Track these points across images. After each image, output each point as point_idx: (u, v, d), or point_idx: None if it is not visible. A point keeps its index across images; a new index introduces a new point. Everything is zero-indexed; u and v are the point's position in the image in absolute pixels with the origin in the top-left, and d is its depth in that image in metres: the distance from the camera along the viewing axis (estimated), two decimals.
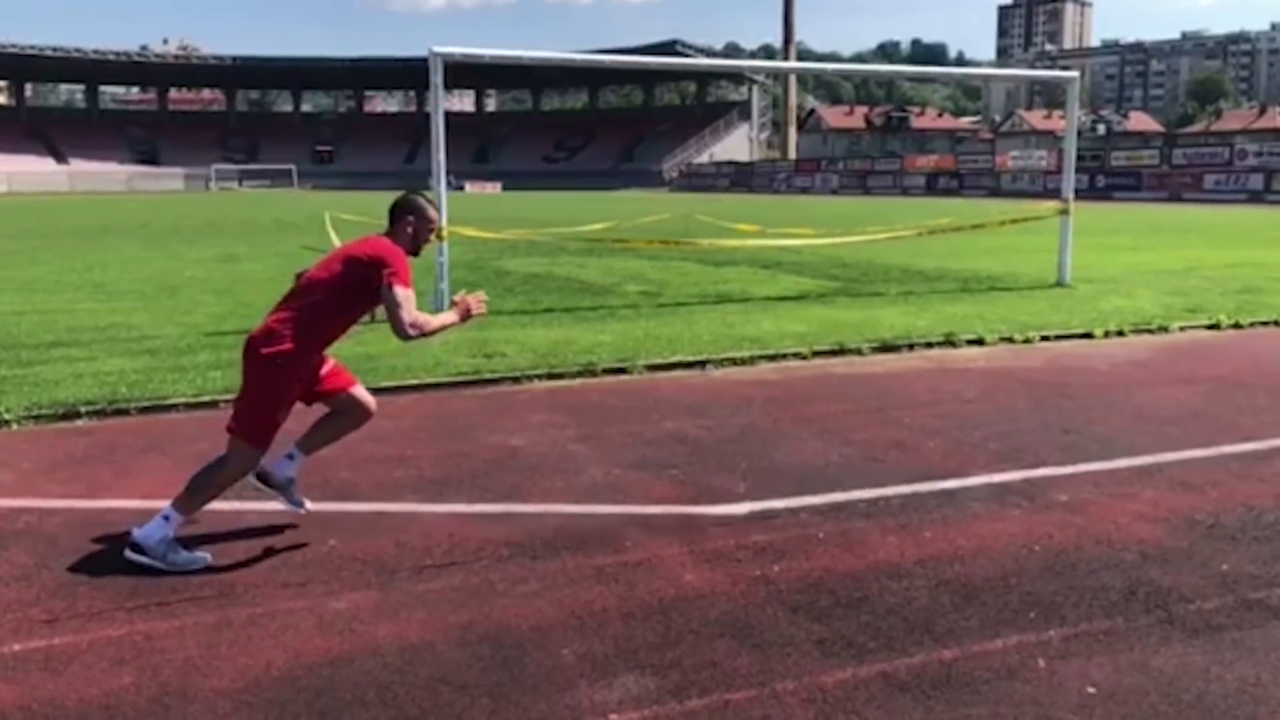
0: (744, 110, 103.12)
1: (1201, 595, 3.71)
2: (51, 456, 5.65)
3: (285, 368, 4.14)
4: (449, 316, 4.33)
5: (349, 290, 4.21)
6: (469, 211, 30.08)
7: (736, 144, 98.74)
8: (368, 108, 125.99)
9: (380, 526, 4.50)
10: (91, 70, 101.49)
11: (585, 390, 7.28)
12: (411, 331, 4.14)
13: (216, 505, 4.76)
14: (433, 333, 4.22)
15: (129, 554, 4.03)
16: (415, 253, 4.41)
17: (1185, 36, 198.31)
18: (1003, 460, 5.44)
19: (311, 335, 4.19)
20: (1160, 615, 3.55)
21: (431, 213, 4.44)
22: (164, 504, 4.16)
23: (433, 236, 4.50)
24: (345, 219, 22.63)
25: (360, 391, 4.55)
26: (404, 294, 4.13)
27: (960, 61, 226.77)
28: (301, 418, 4.51)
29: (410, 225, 4.38)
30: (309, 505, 4.56)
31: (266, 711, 2.98)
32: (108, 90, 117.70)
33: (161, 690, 3.09)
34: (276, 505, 4.79)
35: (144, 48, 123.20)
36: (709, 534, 4.38)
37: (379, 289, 4.14)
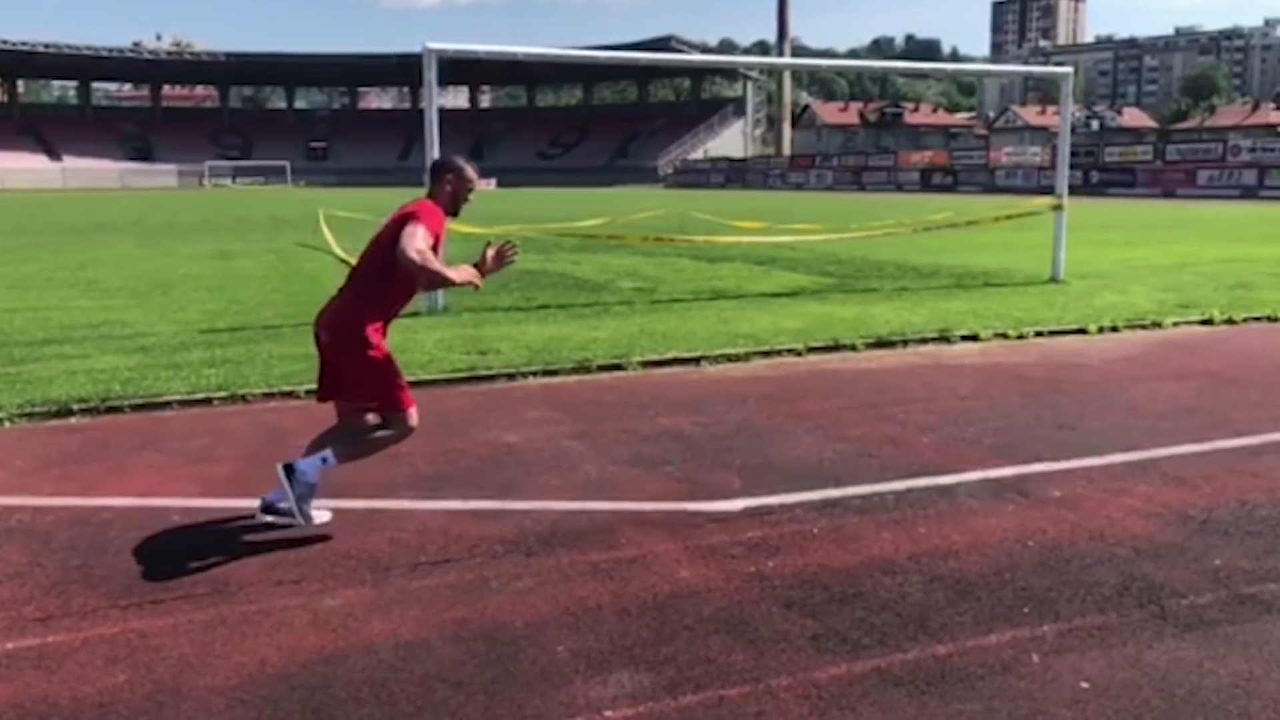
0: (738, 106, 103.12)
1: (1194, 590, 3.72)
2: (45, 454, 5.63)
3: (374, 345, 4.30)
4: (452, 272, 4.29)
5: (395, 246, 4.23)
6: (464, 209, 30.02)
7: (731, 140, 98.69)
8: (362, 104, 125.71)
9: (375, 523, 4.50)
10: (84, 66, 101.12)
11: (580, 387, 7.28)
12: (415, 255, 4.10)
13: (209, 502, 4.77)
14: (434, 272, 4.17)
15: (281, 471, 4.21)
16: (455, 213, 4.50)
17: (1179, 32, 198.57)
18: (997, 456, 5.45)
19: (379, 305, 4.35)
20: (1153, 610, 3.56)
21: (470, 172, 4.52)
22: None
23: (472, 197, 4.57)
24: (340, 216, 22.58)
25: (414, 412, 4.55)
26: (421, 231, 4.17)
27: (954, 57, 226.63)
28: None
29: (450, 184, 4.47)
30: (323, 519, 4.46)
31: (261, 709, 2.97)
32: (101, 86, 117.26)
33: (155, 688, 3.09)
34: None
35: (137, 44, 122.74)
36: (704, 530, 4.38)
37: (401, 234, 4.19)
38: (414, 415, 4.43)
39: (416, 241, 4.14)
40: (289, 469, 4.23)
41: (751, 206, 35.11)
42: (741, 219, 19.00)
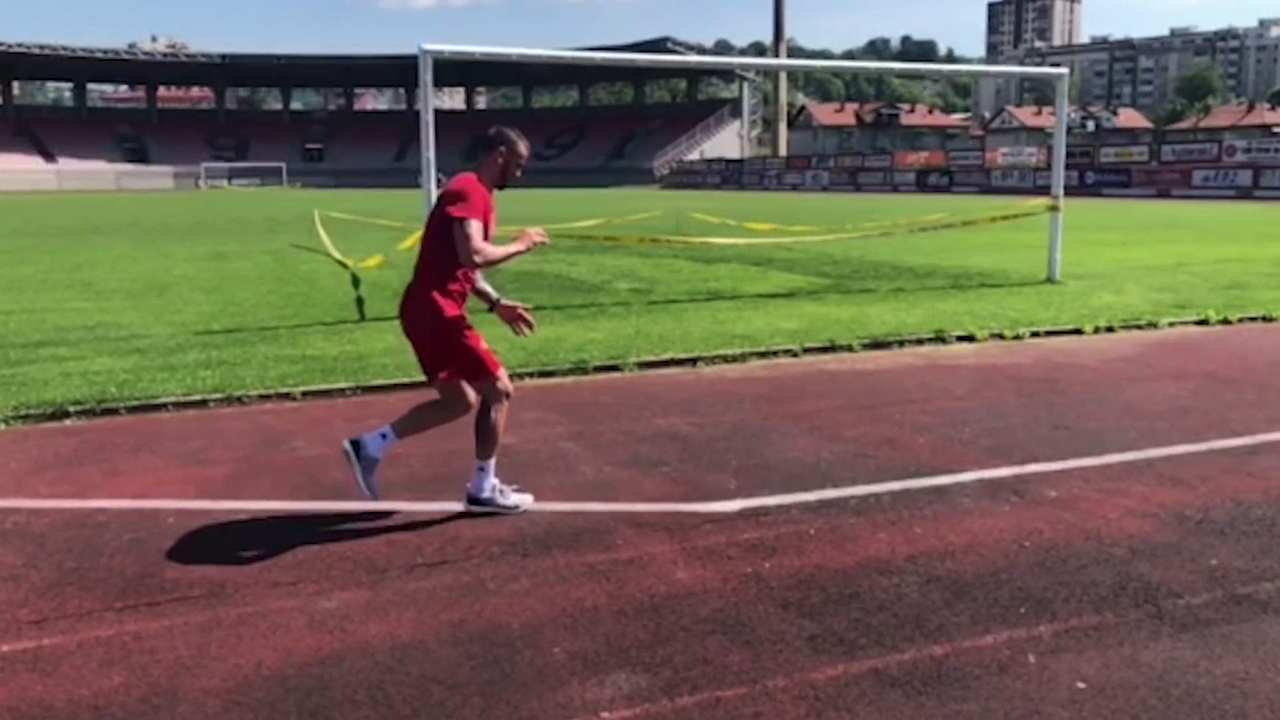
0: (735, 107, 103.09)
1: (1190, 590, 3.72)
2: (40, 456, 5.62)
3: (457, 318, 4.46)
4: (513, 247, 4.53)
5: (448, 228, 4.39)
6: None
7: (727, 141, 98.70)
8: (357, 106, 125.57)
9: (371, 525, 4.49)
10: (79, 68, 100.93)
11: (576, 388, 7.27)
12: (476, 259, 4.33)
13: (205, 504, 4.76)
14: (497, 261, 4.44)
15: (469, 506, 4.59)
16: (502, 185, 4.58)
17: (1174, 33, 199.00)
18: (993, 456, 5.45)
19: (446, 283, 4.46)
20: (1150, 610, 3.56)
21: (523, 146, 4.58)
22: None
23: (519, 172, 4.63)
24: (335, 217, 22.55)
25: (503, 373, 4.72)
26: (470, 226, 4.31)
27: (950, 58, 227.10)
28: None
29: (501, 157, 4.53)
30: (377, 500, 4.65)
31: (257, 711, 2.97)
32: (96, 88, 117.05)
33: (151, 690, 3.08)
34: (269, 504, 4.79)
35: (132, 45, 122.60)
36: (700, 531, 4.38)
37: (450, 224, 4.35)
38: (505, 376, 4.57)
39: (472, 244, 4.30)
40: (473, 500, 4.61)
41: (749, 207, 35.12)
42: (743, 220, 18.99)
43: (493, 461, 4.61)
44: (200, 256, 18.32)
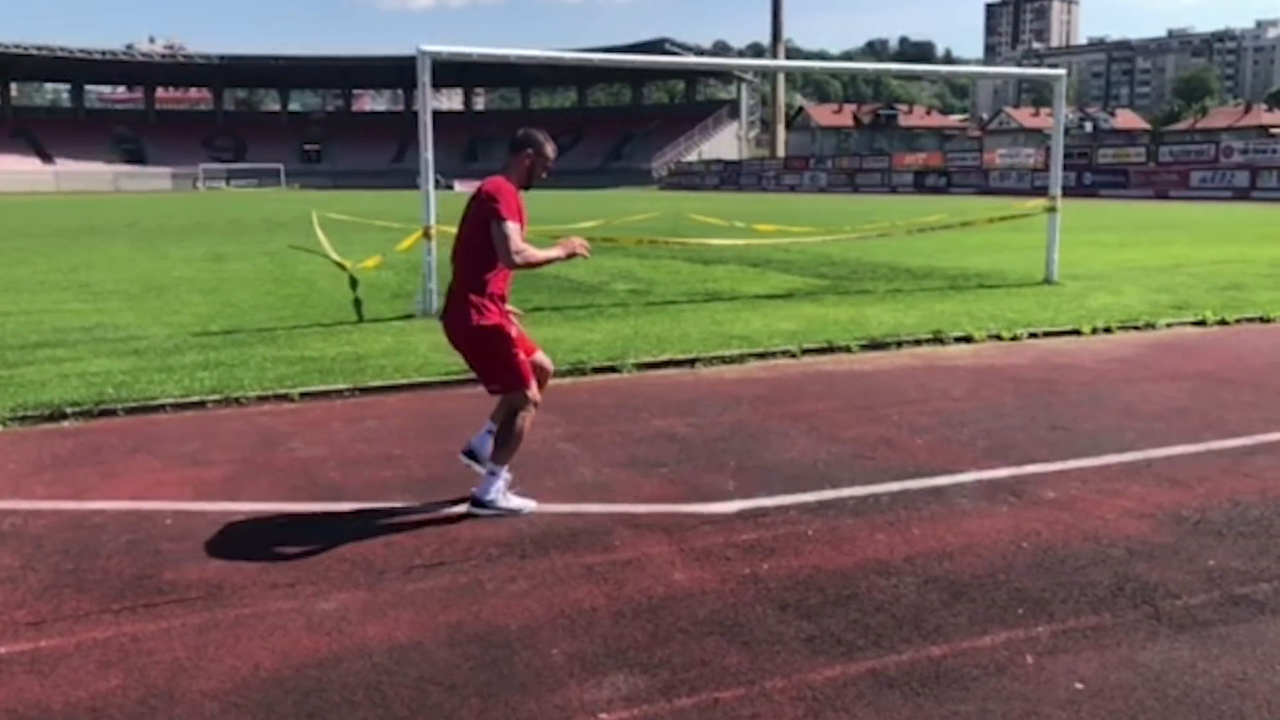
0: (733, 108, 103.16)
1: (1188, 590, 3.72)
2: (37, 458, 5.62)
3: (492, 326, 4.52)
4: (554, 251, 4.58)
5: (483, 231, 4.47)
6: (458, 210, 29.91)
7: (725, 142, 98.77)
8: (356, 107, 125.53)
9: (369, 526, 4.49)
10: (77, 69, 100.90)
11: (574, 389, 7.27)
12: (516, 259, 4.41)
13: (202, 505, 4.76)
14: (537, 263, 4.50)
15: (472, 509, 4.60)
16: (527, 186, 4.65)
17: (1171, 34, 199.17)
18: (991, 457, 5.46)
19: (483, 289, 4.52)
20: (1147, 611, 3.56)
21: (550, 149, 4.68)
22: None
23: (544, 174, 4.73)
24: (333, 218, 22.53)
25: (540, 357, 4.88)
26: (510, 226, 4.39)
27: (948, 59, 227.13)
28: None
29: (528, 159, 4.62)
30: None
31: (254, 713, 2.97)
32: (93, 89, 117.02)
33: (148, 692, 3.08)
34: (266, 506, 4.78)
35: (130, 46, 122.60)
36: (698, 532, 4.38)
37: (489, 227, 4.43)
38: (534, 389, 4.64)
39: (513, 243, 4.39)
40: (476, 502, 4.64)
41: (747, 208, 35.13)
42: (751, 221, 19.00)
43: (505, 469, 4.66)
44: (198, 258, 18.31)
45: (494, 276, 4.54)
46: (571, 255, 4.61)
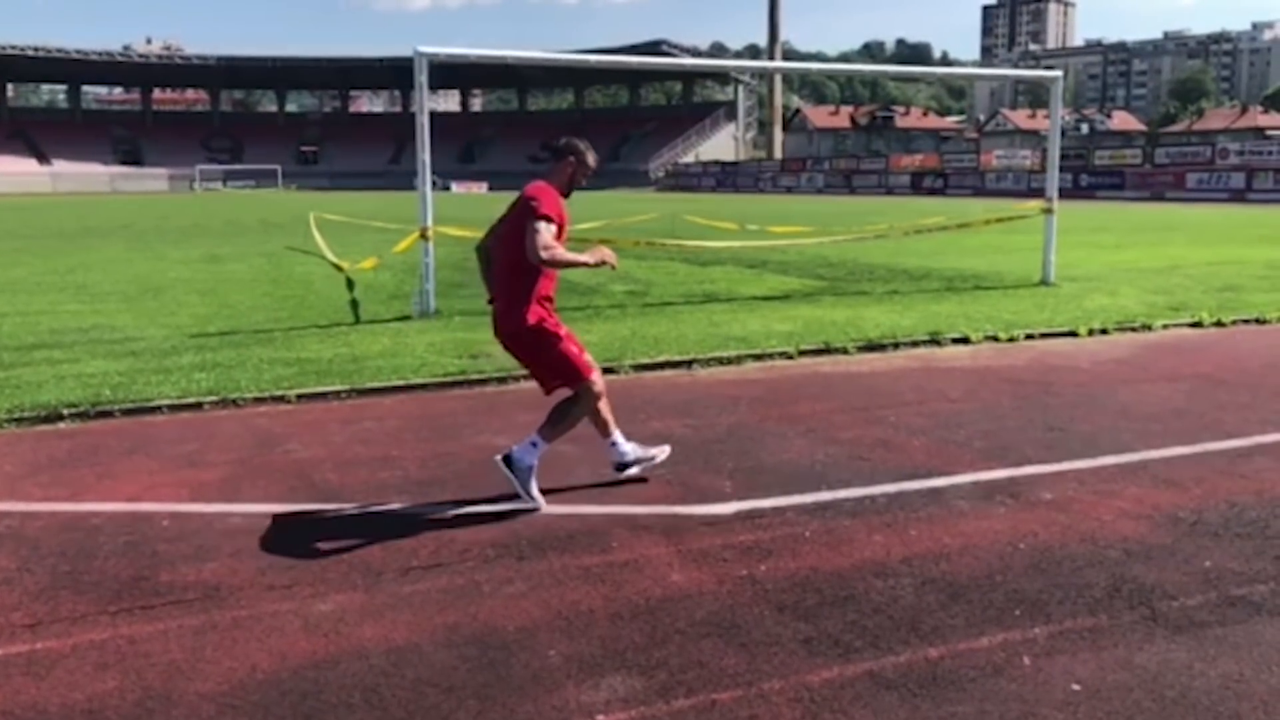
0: (730, 110, 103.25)
1: (1185, 592, 3.73)
2: (34, 459, 5.61)
3: (538, 325, 4.62)
4: (583, 256, 4.64)
5: (525, 234, 4.52)
6: (455, 212, 29.99)
7: (722, 144, 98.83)
8: (353, 108, 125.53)
9: (366, 528, 4.49)
10: (74, 70, 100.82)
11: None
12: (543, 254, 4.45)
13: (199, 506, 4.75)
14: (563, 263, 4.53)
15: (499, 462, 4.70)
16: (567, 193, 4.78)
17: (1167, 36, 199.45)
18: (988, 458, 5.46)
19: (529, 292, 4.61)
20: (1144, 612, 3.56)
21: (591, 158, 4.83)
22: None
23: (585, 181, 4.88)
24: (330, 219, 22.54)
25: (595, 375, 4.88)
26: (542, 224, 4.47)
27: (945, 61, 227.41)
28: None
29: (570, 166, 4.77)
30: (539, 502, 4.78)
31: (252, 714, 2.96)
32: (90, 90, 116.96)
33: (145, 694, 3.07)
34: (263, 507, 4.78)
35: (127, 47, 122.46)
36: (696, 534, 4.38)
37: (525, 227, 4.50)
38: (597, 377, 4.76)
39: (542, 239, 4.43)
40: (507, 459, 4.69)
41: (745, 210, 35.13)
42: (743, 222, 19.00)
43: (547, 447, 4.76)
44: (195, 259, 18.30)
45: (538, 279, 4.63)
46: (600, 264, 4.66)
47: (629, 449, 5.00)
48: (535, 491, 4.71)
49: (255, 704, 3.02)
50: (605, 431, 4.97)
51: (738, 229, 18.30)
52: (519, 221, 4.56)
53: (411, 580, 3.91)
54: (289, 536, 4.39)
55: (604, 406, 4.91)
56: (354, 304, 10.38)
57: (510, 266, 4.65)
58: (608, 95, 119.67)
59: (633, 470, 5.03)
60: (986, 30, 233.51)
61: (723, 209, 32.65)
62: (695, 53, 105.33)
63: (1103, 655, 3.25)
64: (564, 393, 4.83)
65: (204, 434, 6.13)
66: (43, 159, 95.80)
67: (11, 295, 12.78)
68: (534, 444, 4.73)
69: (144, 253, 19.98)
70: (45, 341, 9.15)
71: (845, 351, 8.62)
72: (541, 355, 4.72)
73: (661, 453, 5.07)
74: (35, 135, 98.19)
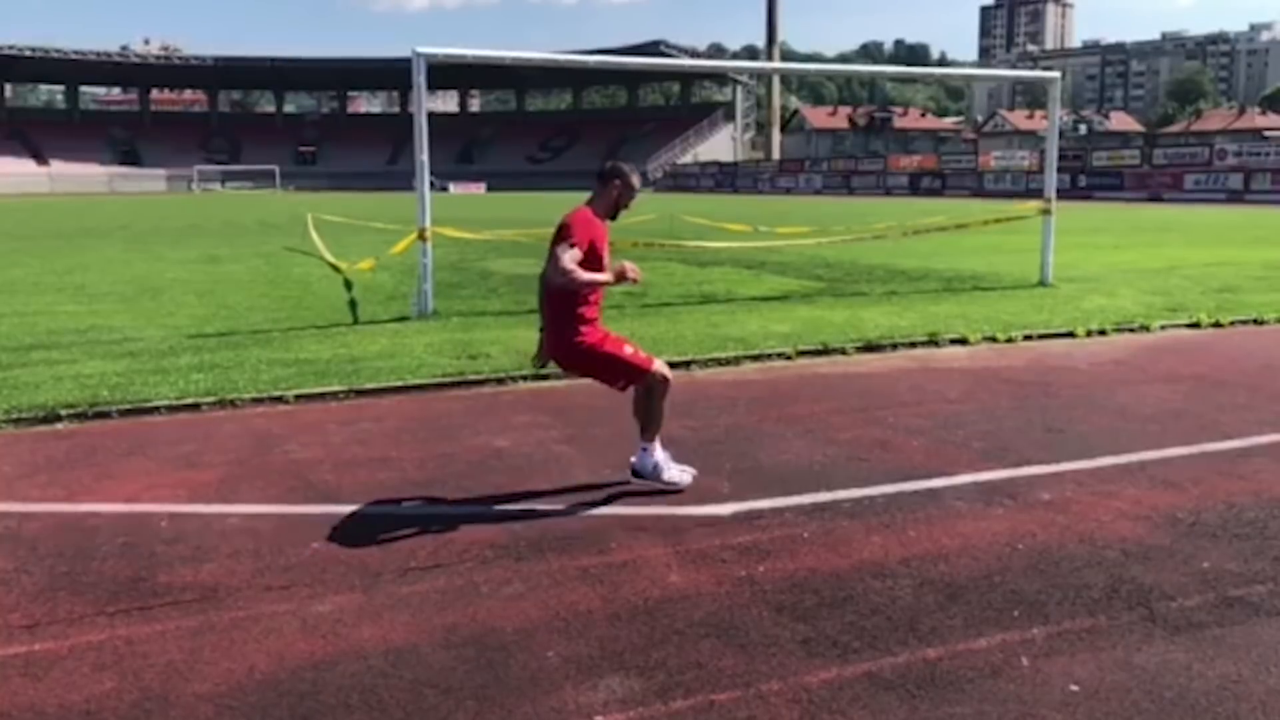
0: (728, 111, 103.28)
1: (1183, 593, 3.73)
2: (31, 460, 5.60)
3: (590, 344, 4.78)
4: (602, 275, 4.73)
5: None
6: (453, 212, 29.99)
7: (720, 144, 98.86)
8: (351, 108, 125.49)
9: (364, 529, 4.48)
10: (72, 70, 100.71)
11: (570, 391, 7.26)
12: (559, 278, 4.61)
13: (197, 507, 4.75)
14: (582, 284, 4.65)
15: (633, 478, 4.93)
16: (613, 216, 4.94)
17: (1165, 37, 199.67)
18: (986, 459, 5.46)
19: (574, 311, 4.76)
20: (1142, 613, 3.57)
21: (635, 180, 4.95)
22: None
23: (632, 204, 5.03)
24: (328, 220, 22.52)
25: (657, 364, 5.00)
26: (566, 250, 4.61)
27: (943, 62, 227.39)
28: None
29: (615, 190, 4.89)
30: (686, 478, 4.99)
31: (250, 716, 2.96)
32: (88, 91, 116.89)
33: (143, 695, 3.07)
34: (261, 508, 4.78)
35: (125, 48, 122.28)
36: (694, 535, 4.38)
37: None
38: (659, 366, 4.89)
39: (561, 264, 4.59)
40: (634, 472, 4.94)
41: (742, 211, 35.14)
42: (755, 224, 19.00)
43: (656, 442, 4.92)
44: (193, 259, 18.28)
45: (576, 302, 4.76)
46: (620, 279, 4.73)
47: (655, 462, 4.94)
48: (674, 475, 4.91)
49: (253, 705, 3.01)
50: (648, 436, 4.99)
51: (750, 231, 18.28)
52: (552, 249, 4.71)
53: (410, 581, 3.91)
54: (287, 537, 4.39)
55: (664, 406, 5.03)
56: (352, 304, 10.37)
57: (548, 292, 4.80)
58: (606, 96, 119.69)
59: (646, 481, 5.00)
60: (984, 31, 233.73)
61: (725, 210, 32.68)
62: (693, 53, 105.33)
63: (1101, 656, 3.25)
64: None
65: (202, 435, 6.12)
66: (40, 159, 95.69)
67: (9, 296, 12.77)
68: (644, 449, 4.92)
69: (142, 253, 19.97)
70: (43, 342, 9.14)
71: (843, 352, 8.62)
72: (595, 367, 4.90)
73: (684, 481, 4.98)
74: (33, 136, 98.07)
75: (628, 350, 4.86)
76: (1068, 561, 4.04)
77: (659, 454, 4.94)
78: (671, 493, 4.87)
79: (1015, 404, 6.80)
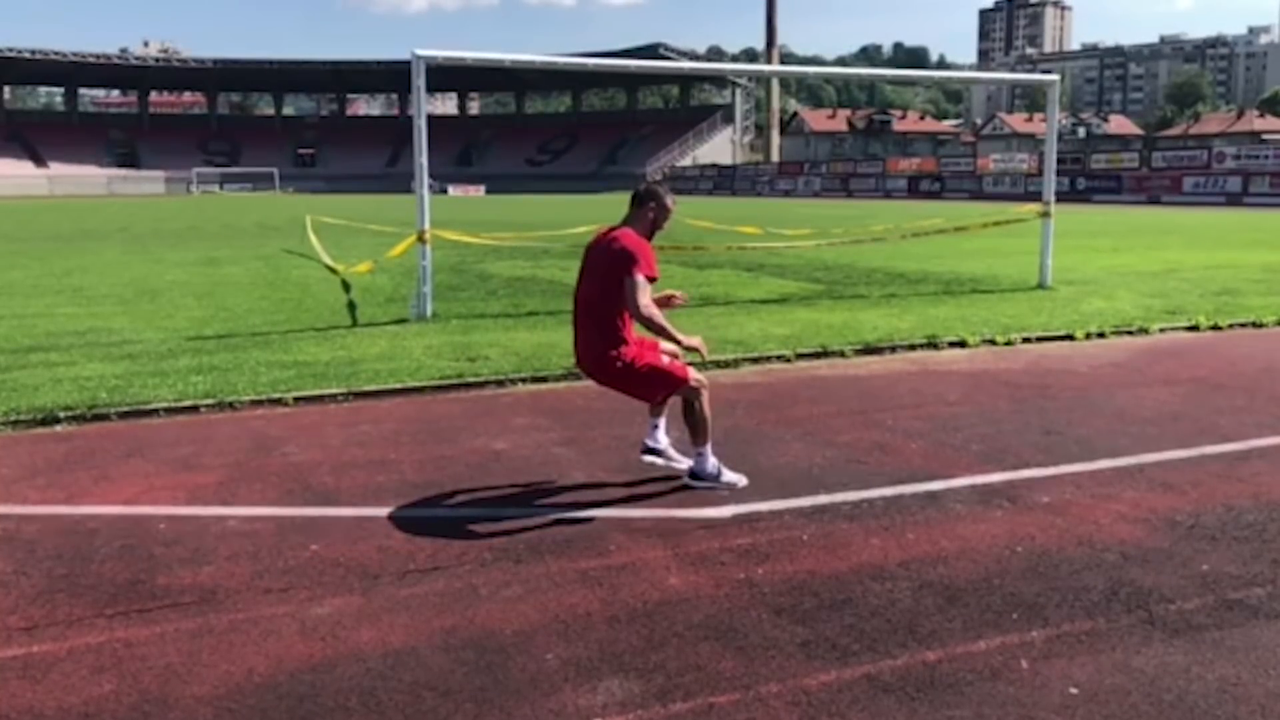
0: (727, 113, 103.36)
1: (1182, 595, 3.73)
2: (30, 462, 5.60)
3: (623, 362, 4.81)
4: (679, 334, 4.81)
5: (618, 283, 4.73)
6: (452, 215, 30.02)
7: (719, 147, 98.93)
8: (350, 110, 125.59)
9: (363, 531, 4.48)
10: (71, 72, 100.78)
11: (569, 393, 7.26)
12: (644, 312, 4.68)
13: (196, 510, 4.75)
14: (658, 328, 4.72)
15: (690, 481, 4.98)
16: (650, 237, 4.94)
17: (1163, 40, 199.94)
18: (985, 462, 5.46)
19: (616, 328, 4.81)
20: (1141, 615, 3.57)
21: (670, 202, 5.00)
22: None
23: (667, 226, 5.05)
24: (327, 222, 22.54)
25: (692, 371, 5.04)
26: (641, 282, 4.67)
27: (942, 65, 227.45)
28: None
29: (652, 212, 4.94)
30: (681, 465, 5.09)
31: (248, 718, 2.95)
32: (87, 93, 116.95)
33: (142, 698, 3.07)
34: (260, 510, 4.78)
35: (124, 50, 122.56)
36: (693, 537, 4.38)
37: (623, 278, 4.69)
38: (694, 375, 4.92)
39: (642, 297, 4.65)
40: (693, 476, 4.98)
41: (741, 213, 35.14)
42: (750, 226, 19.01)
43: (709, 446, 4.95)
44: (192, 262, 18.28)
45: (618, 322, 4.82)
46: (691, 349, 4.85)
47: (713, 464, 5.01)
48: (729, 477, 4.96)
49: (252, 708, 3.01)
50: (655, 412, 5.09)
51: (760, 233, 18.28)
52: (611, 268, 4.72)
53: (408, 584, 3.90)
54: (286, 540, 4.39)
55: (667, 404, 5.08)
56: (351, 306, 10.37)
57: (588, 306, 4.85)
58: (605, 98, 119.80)
59: (656, 462, 5.10)
60: (983, 34, 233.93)
61: (725, 213, 32.68)
62: (693, 56, 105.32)
63: (1100, 658, 3.25)
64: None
65: (201, 437, 6.12)
66: (39, 161, 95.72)
67: (8, 298, 12.77)
68: (699, 454, 4.95)
69: (141, 255, 19.96)
70: (42, 344, 9.13)
71: (842, 355, 8.62)
72: (630, 384, 4.92)
73: (742, 482, 5.04)
74: (32, 137, 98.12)
75: (662, 361, 4.87)
76: (1067, 564, 4.04)
77: (709, 461, 4.96)
78: (721, 490, 4.92)
79: (1014, 406, 6.80)
